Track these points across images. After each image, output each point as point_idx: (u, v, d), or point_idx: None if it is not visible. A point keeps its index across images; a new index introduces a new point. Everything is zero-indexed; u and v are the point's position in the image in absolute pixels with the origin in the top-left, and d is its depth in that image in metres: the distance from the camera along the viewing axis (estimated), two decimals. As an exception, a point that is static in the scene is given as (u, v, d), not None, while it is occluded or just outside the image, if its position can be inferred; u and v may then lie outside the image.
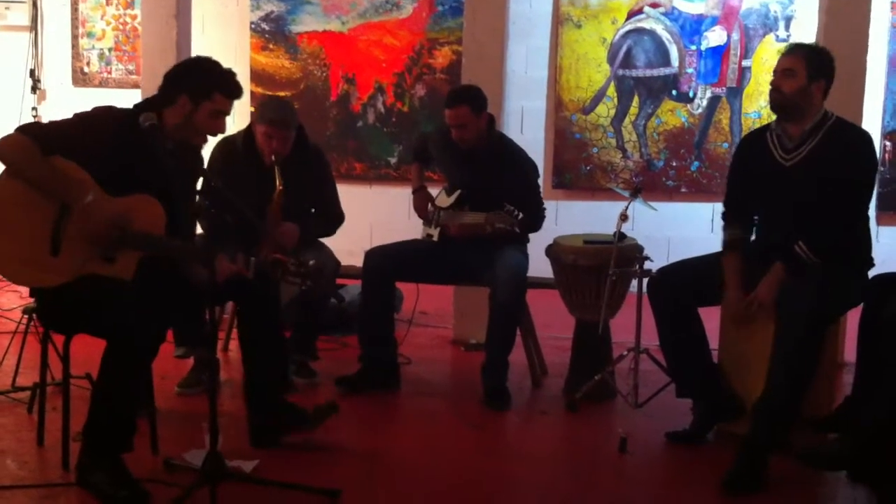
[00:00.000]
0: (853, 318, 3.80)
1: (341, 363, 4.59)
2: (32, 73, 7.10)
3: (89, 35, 7.16)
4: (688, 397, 3.88)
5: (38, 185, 3.05)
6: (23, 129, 3.10)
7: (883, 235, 6.20)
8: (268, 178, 4.18)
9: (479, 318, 4.49)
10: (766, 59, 6.23)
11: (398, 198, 6.34)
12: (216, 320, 3.64)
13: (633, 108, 6.43)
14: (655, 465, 3.69)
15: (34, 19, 7.11)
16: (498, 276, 4.19)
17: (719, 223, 3.88)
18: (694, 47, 6.36)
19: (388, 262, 4.38)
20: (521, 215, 4.02)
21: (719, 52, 6.34)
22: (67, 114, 3.23)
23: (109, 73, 7.18)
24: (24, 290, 5.27)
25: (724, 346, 3.87)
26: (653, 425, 3.91)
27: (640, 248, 4.22)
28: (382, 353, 4.39)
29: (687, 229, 6.37)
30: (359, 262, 4.47)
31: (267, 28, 6.84)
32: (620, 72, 6.41)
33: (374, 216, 6.70)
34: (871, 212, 3.74)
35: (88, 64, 7.18)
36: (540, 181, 4.53)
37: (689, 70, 6.37)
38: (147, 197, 3.19)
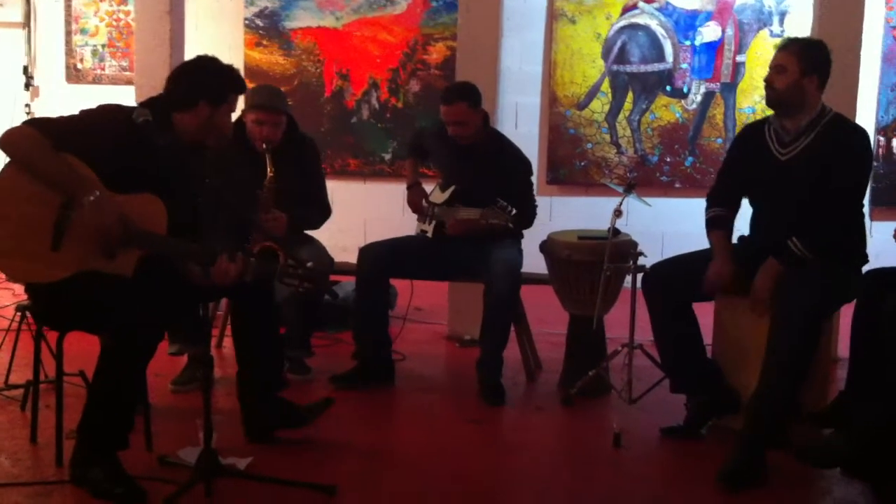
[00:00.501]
0: (846, 313, 3.81)
1: (336, 359, 4.59)
2: (26, 69, 7.07)
3: (83, 31, 7.15)
4: (682, 392, 3.88)
5: (48, 179, 3.04)
6: (32, 123, 3.10)
7: (877, 230, 6.20)
8: (259, 166, 4.20)
9: (474, 314, 4.49)
10: (760, 54, 6.24)
11: (392, 194, 6.33)
12: (209, 317, 3.65)
13: (628, 103, 6.43)
14: (650, 459, 3.70)
15: (27, 16, 7.10)
16: (493, 271, 4.19)
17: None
18: (688, 42, 6.36)
19: (383, 259, 4.37)
20: (514, 211, 4.02)
21: (713, 48, 6.34)
22: (61, 110, 3.23)
23: (103, 69, 7.16)
24: (18, 288, 5.28)
25: (719, 341, 3.88)
26: (647, 420, 3.92)
27: (634, 244, 4.23)
28: (377, 350, 4.39)
29: (681, 224, 6.37)
30: (353, 258, 4.46)
31: (261, 24, 6.82)
32: (615, 67, 6.41)
33: (368, 212, 6.71)
34: (865, 207, 3.73)
35: (82, 60, 7.16)
36: (534, 177, 4.54)
37: (684, 65, 6.37)
38: (149, 195, 3.19)
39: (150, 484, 3.11)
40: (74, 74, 7.17)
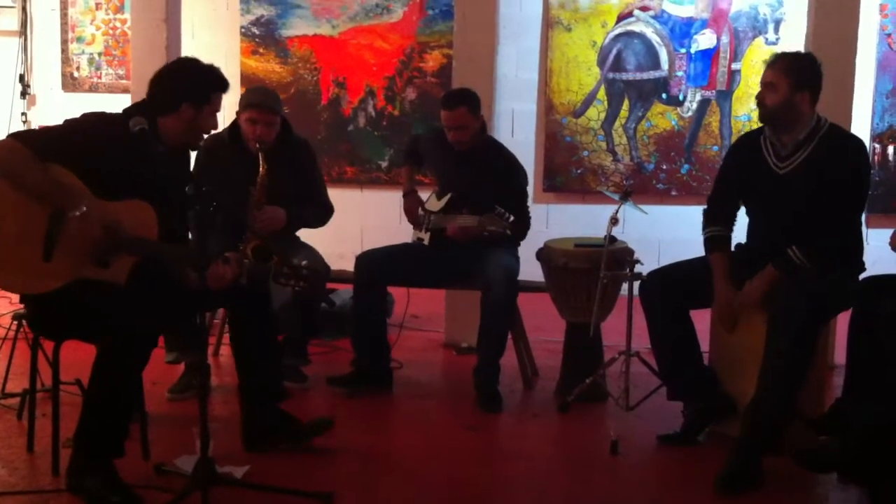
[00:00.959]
0: (843, 320, 3.81)
1: (333, 367, 4.59)
2: (22, 78, 7.07)
3: (79, 40, 7.15)
4: (679, 399, 3.88)
5: (33, 191, 3.04)
6: (15, 136, 3.11)
7: (872, 237, 6.20)
8: (253, 165, 4.22)
9: (471, 321, 4.49)
10: (755, 61, 6.24)
11: (389, 201, 6.32)
12: (206, 325, 3.64)
13: (624, 111, 6.43)
14: (648, 466, 3.70)
15: (23, 24, 7.09)
16: (490, 278, 4.19)
17: (705, 224, 3.88)
18: (683, 50, 6.37)
19: (380, 266, 4.38)
20: (511, 218, 4.02)
21: (709, 55, 6.35)
22: (57, 119, 3.23)
23: (99, 77, 7.16)
24: (14, 297, 5.25)
25: (716, 347, 3.88)
26: (644, 428, 3.92)
27: (630, 251, 4.23)
28: (376, 357, 4.39)
29: (677, 232, 6.38)
30: (350, 266, 4.46)
31: (257, 32, 6.83)
32: (610, 75, 6.41)
33: (364, 220, 6.70)
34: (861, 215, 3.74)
35: (78, 69, 7.16)
36: (530, 186, 4.55)
37: (679, 73, 6.38)
38: (139, 201, 3.19)
39: (146, 492, 3.11)
40: (71, 83, 7.17)
